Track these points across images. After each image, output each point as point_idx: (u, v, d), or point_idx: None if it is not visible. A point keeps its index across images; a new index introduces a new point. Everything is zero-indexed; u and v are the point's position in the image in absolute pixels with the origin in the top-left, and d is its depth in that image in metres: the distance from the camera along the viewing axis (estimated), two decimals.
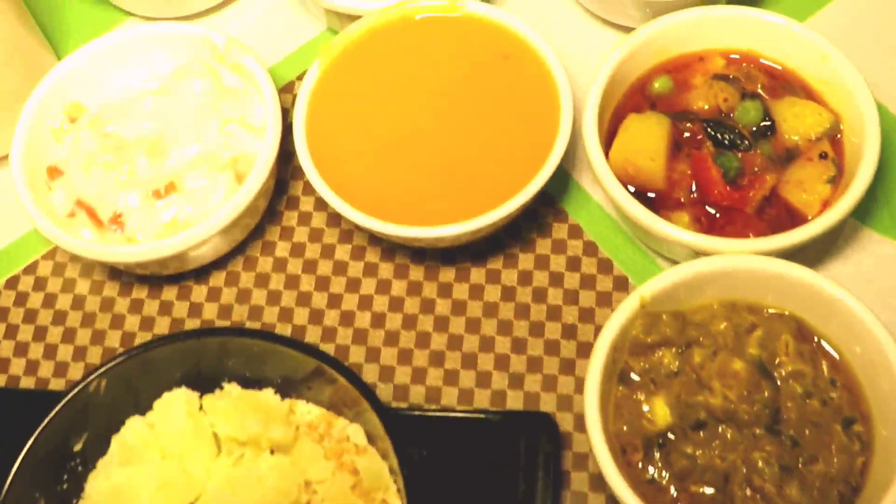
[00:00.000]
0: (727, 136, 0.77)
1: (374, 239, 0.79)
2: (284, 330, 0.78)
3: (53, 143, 0.83)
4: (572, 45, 0.88)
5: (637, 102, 0.81)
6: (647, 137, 0.77)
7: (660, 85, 0.81)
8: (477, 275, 0.78)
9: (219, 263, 0.81)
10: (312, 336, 0.77)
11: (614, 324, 0.69)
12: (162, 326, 0.79)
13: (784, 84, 0.80)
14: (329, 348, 0.76)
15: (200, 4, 0.94)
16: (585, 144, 0.76)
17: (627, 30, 0.88)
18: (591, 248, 0.78)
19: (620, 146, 0.77)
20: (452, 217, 0.74)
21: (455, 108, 0.80)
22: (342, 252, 0.80)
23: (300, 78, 0.91)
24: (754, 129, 0.78)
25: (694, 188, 0.76)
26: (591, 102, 0.77)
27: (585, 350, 0.72)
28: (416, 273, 0.79)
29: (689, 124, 0.78)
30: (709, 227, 0.75)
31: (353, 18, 0.85)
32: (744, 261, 0.71)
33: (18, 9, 0.86)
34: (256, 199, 0.78)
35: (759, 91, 0.80)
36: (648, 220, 0.73)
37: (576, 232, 0.79)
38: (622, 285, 0.76)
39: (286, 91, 0.89)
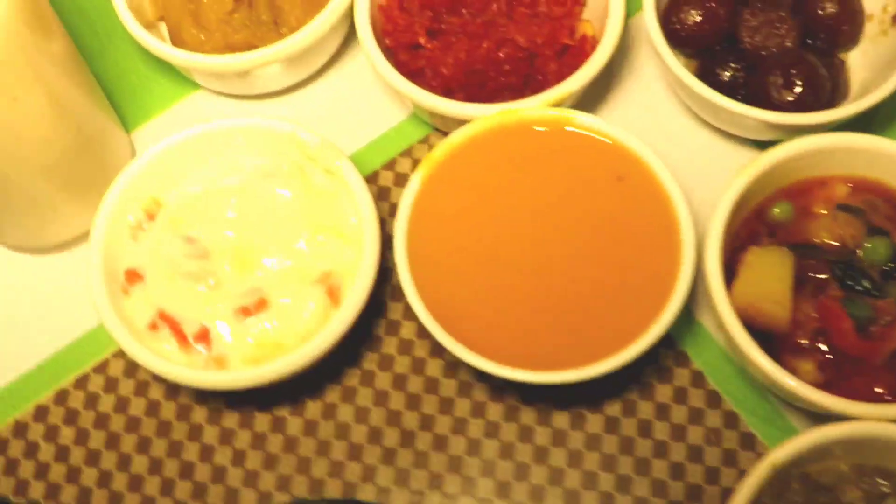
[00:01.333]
0: (859, 283, 0.73)
1: (482, 374, 0.75)
2: (387, 475, 0.73)
3: (129, 240, 0.78)
4: (684, 154, 0.83)
5: (754, 230, 0.76)
6: (772, 279, 0.72)
7: (780, 212, 0.77)
8: (594, 422, 0.74)
9: (313, 390, 0.76)
10: (418, 481, 0.72)
11: (746, 492, 0.65)
12: (254, 460, 0.75)
13: None
14: (434, 498, 0.72)
15: (273, 85, 0.88)
16: (709, 287, 0.71)
17: (743, 140, 0.84)
18: (714, 399, 0.74)
19: (744, 288, 0.72)
20: (564, 357, 0.70)
21: (565, 232, 0.75)
22: (447, 388, 0.75)
23: (386, 168, 0.86)
24: (883, 268, 0.74)
25: (819, 332, 0.72)
26: (713, 240, 0.72)
27: None
28: (528, 416, 0.74)
29: (814, 261, 0.74)
30: (835, 375, 0.72)
31: (450, 119, 0.80)
32: (876, 428, 0.67)
33: (93, 90, 0.80)
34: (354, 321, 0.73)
35: (885, 225, 0.76)
36: (776, 375, 0.69)
37: (699, 380, 0.75)
38: (749, 443, 0.72)
39: (371, 181, 0.84)
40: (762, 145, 0.83)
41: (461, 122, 0.81)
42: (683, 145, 0.85)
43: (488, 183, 0.76)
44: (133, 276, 0.77)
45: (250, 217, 0.78)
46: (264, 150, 0.79)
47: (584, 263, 0.74)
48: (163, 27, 0.89)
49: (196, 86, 0.90)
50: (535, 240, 0.75)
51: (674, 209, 0.74)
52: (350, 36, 0.87)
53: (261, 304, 0.75)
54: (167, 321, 0.75)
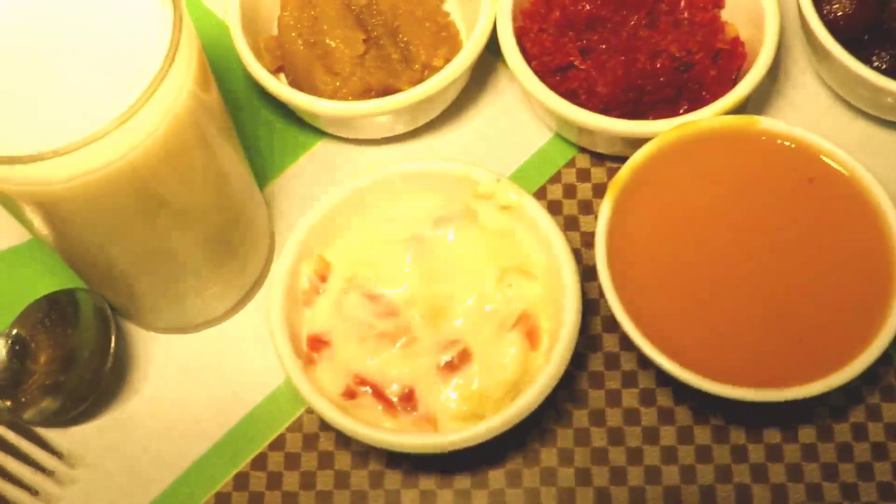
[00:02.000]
0: None
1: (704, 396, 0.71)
2: None
3: (304, 306, 0.74)
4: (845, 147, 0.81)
5: None
6: None
7: None
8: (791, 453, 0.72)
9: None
10: None
11: None
12: None
13: None
14: None
15: (407, 126, 0.84)
16: None
17: None
18: None
19: None
20: (782, 374, 0.67)
21: (767, 241, 0.72)
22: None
23: (537, 196, 0.82)
24: None
25: None
26: None
27: None
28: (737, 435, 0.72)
29: None
30: None
31: (608, 139, 0.77)
32: None
33: (239, 149, 0.76)
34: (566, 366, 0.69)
35: None
36: None
37: None
38: None
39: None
40: None
41: (620, 140, 0.78)
42: (842, 138, 0.82)
43: (678, 199, 0.74)
44: (318, 344, 0.72)
45: (431, 265, 0.74)
46: (432, 194, 0.75)
47: (792, 272, 0.71)
48: (280, 77, 0.85)
49: (320, 135, 0.86)
50: (737, 252, 0.72)
51: (876, 208, 0.71)
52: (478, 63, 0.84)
53: (464, 357, 0.71)
54: (368, 385, 0.70)
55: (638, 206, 0.73)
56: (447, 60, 0.81)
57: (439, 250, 0.74)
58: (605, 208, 0.72)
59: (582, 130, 0.78)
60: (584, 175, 0.83)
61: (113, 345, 0.75)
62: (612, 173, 0.81)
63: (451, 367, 0.70)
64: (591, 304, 0.77)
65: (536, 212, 0.73)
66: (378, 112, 0.77)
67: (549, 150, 0.84)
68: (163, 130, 0.59)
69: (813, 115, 0.84)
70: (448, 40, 0.83)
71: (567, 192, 0.83)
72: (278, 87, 0.78)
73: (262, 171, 0.85)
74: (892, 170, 0.81)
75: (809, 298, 0.70)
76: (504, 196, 0.74)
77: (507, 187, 0.74)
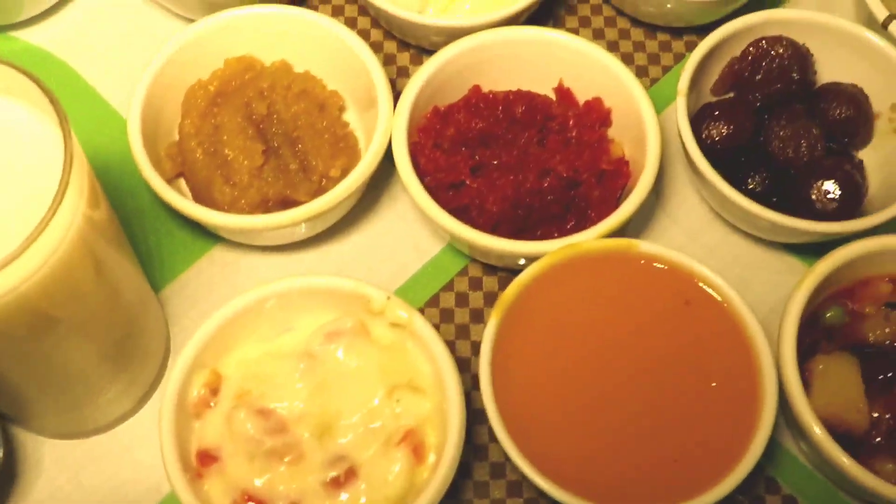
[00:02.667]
0: None
1: None
2: None
3: (194, 419, 0.75)
4: (722, 264, 0.85)
5: (813, 337, 0.79)
6: (848, 387, 0.75)
7: (833, 315, 0.79)
8: None
9: None
10: None
11: None
12: None
13: None
14: None
15: (303, 235, 0.85)
16: (794, 403, 0.73)
17: (775, 244, 0.87)
18: None
19: (823, 399, 0.74)
20: (658, 492, 0.71)
21: (643, 361, 0.75)
22: None
23: (430, 304, 0.85)
24: None
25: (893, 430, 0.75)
26: (787, 357, 0.74)
27: None
28: None
29: (875, 361, 0.77)
30: None
31: (499, 255, 0.79)
32: None
33: (133, 259, 0.77)
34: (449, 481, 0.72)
35: None
36: (873, 483, 0.71)
37: None
38: None
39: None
40: (794, 248, 0.86)
41: (509, 256, 0.81)
42: (720, 252, 0.87)
43: (561, 318, 0.77)
44: (207, 459, 0.73)
45: (321, 381, 0.75)
46: (326, 309, 0.77)
47: (668, 393, 0.75)
48: (180, 182, 0.86)
49: (216, 239, 0.87)
50: (616, 372, 0.75)
51: (745, 331, 0.75)
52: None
53: (350, 475, 0.72)
54: (255, 502, 0.72)
55: (523, 325, 0.76)
56: (345, 171, 0.84)
57: (330, 365, 0.76)
58: (490, 327, 0.75)
59: (472, 245, 0.81)
60: (476, 284, 0.86)
61: (0, 452, 0.75)
62: (503, 282, 0.84)
63: (338, 483, 0.72)
64: (479, 414, 0.79)
65: (424, 330, 0.75)
66: (274, 227, 0.79)
67: (443, 258, 0.87)
68: (54, 260, 0.60)
69: (693, 229, 0.88)
70: (346, 151, 0.86)
71: (459, 301, 0.86)
72: (175, 198, 0.79)
73: (160, 273, 0.86)
74: (765, 282, 0.85)
75: (684, 418, 0.74)
76: (394, 314, 0.76)
77: (396, 305, 0.76)
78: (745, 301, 0.76)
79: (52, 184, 0.58)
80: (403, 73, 0.95)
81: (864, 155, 0.88)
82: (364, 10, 0.97)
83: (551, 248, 0.77)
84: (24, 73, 0.60)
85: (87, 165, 0.64)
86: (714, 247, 0.87)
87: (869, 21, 0.89)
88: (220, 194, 0.82)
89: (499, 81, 0.88)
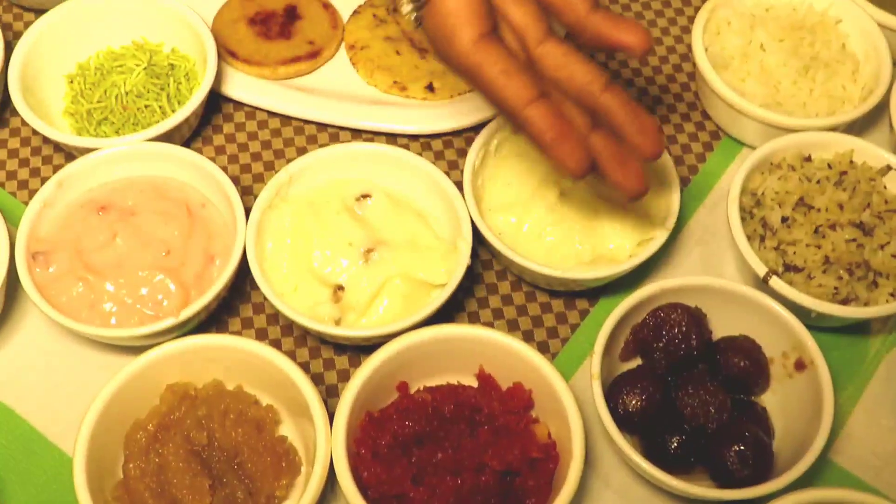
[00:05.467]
0: None
1: None
2: None
3: None
4: None
5: None
6: None
7: None
8: None
9: None
10: None
11: None
12: None
13: None
14: None
15: None
16: None
17: None
18: None
19: None
20: None
21: None
22: None
23: None
24: None
25: None
26: None
27: None
28: None
29: None
30: None
31: None
32: None
33: None
34: None
35: None
36: None
37: None
38: None
39: None
40: None
41: None
42: None
43: None
44: None
45: None
46: None
47: None
48: None
49: None
50: None
51: None
52: None
53: None
54: None
55: None
56: (289, 489, 0.87)
57: None
58: None
59: None
60: None
61: None
62: None
63: None
64: None
65: None
66: None
67: None
68: None
69: (623, 487, 0.94)
70: (289, 468, 0.89)
71: None
72: None
73: None
74: None
75: None
76: None
77: None
78: None
79: None
80: (319, 381, 0.99)
81: (767, 399, 0.96)
82: (287, 330, 1.02)
83: None
84: None
85: None
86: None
87: (752, 277, 0.97)
88: None
89: (424, 376, 0.94)
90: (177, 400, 0.91)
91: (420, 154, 1.10)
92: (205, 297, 0.93)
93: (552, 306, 1.04)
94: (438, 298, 0.94)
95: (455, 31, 0.81)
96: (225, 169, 1.11)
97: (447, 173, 1.04)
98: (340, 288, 0.97)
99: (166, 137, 1.04)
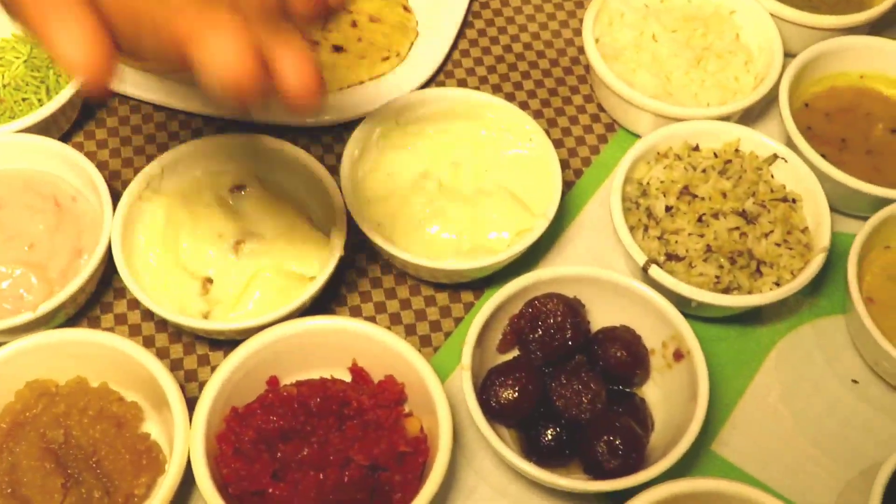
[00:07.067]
0: None
1: None
2: None
3: None
4: None
5: None
6: None
7: None
8: None
9: None
10: None
11: None
12: None
13: None
14: None
15: None
16: None
17: None
18: None
19: None
20: None
21: None
22: None
23: None
24: None
25: None
26: None
27: None
28: None
29: None
30: None
31: None
32: None
33: None
34: None
35: None
36: None
37: None
38: None
39: None
40: (597, 497, 0.91)
41: None
42: None
43: None
44: None
45: None
46: None
47: None
48: None
49: None
50: None
51: None
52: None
53: None
54: None
55: None
56: (149, 487, 0.84)
57: None
58: None
59: None
60: None
61: None
62: None
63: None
64: None
65: None
66: None
67: None
68: None
69: (500, 483, 0.92)
70: (150, 465, 0.86)
71: None
72: None
73: None
74: None
75: None
76: None
77: None
78: None
79: None
80: (192, 378, 0.96)
81: (647, 390, 0.94)
82: (162, 326, 0.99)
83: None
84: None
85: None
86: (522, 500, 0.91)
87: (637, 268, 0.96)
88: None
89: (295, 369, 0.91)
90: (34, 397, 0.88)
91: (308, 147, 1.08)
92: (65, 290, 0.90)
93: (436, 300, 1.02)
94: (308, 291, 0.92)
95: None
96: (106, 163, 1.08)
97: (335, 166, 1.01)
98: (209, 280, 0.94)
99: (43, 129, 1.02)
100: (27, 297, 0.92)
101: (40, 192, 0.97)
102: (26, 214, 0.95)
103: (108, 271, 0.96)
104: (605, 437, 0.86)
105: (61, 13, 0.56)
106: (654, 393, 0.94)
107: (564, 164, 1.08)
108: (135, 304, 1.00)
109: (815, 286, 1.03)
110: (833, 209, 1.01)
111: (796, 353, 1.00)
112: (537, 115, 1.14)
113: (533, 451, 0.89)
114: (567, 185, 1.10)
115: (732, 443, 0.95)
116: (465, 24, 1.22)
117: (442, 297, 1.02)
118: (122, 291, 1.00)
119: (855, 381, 0.99)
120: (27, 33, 0.60)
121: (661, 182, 1.01)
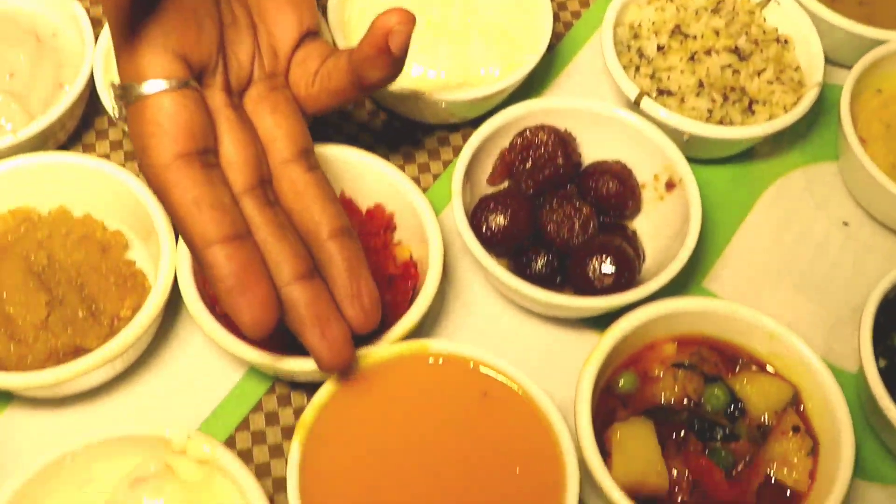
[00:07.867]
0: (714, 433, 0.79)
1: None
2: None
3: None
4: (520, 349, 0.89)
5: (609, 405, 0.82)
6: (646, 452, 0.78)
7: (625, 382, 0.83)
8: None
9: None
10: None
11: None
12: None
13: (734, 357, 0.85)
14: None
15: (101, 378, 0.84)
16: (597, 479, 0.75)
17: (571, 322, 0.90)
18: None
19: (624, 468, 0.77)
20: None
21: (444, 461, 0.77)
22: None
23: (241, 429, 0.85)
24: (728, 411, 0.82)
25: (694, 485, 0.79)
26: (585, 431, 0.77)
27: None
28: None
29: (668, 422, 0.80)
30: None
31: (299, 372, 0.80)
32: None
33: None
34: None
35: (718, 373, 0.83)
36: None
37: None
38: None
39: (230, 445, 0.82)
40: (590, 322, 0.90)
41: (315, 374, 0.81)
42: (520, 338, 0.90)
43: (363, 431, 0.77)
44: None
45: None
46: (128, 457, 0.76)
47: (473, 485, 0.76)
48: None
49: (7, 400, 0.85)
50: (423, 476, 0.76)
51: (544, 415, 0.77)
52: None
53: None
54: None
55: (327, 442, 0.76)
56: (136, 310, 0.83)
57: None
58: (294, 452, 0.75)
59: (277, 370, 0.81)
60: (284, 400, 0.86)
61: None
62: (299, 414, 0.84)
63: None
64: None
65: (230, 463, 0.75)
66: (66, 379, 0.78)
67: (247, 382, 0.87)
68: None
69: (490, 315, 0.91)
70: (135, 289, 0.85)
71: (269, 420, 0.85)
72: None
73: None
74: (568, 358, 0.88)
75: None
76: (197, 450, 0.75)
77: (198, 441, 0.75)
78: (541, 387, 0.78)
79: None
80: None
81: (638, 223, 0.93)
82: None
83: None
84: None
85: None
86: (512, 330, 0.90)
87: (627, 105, 0.94)
88: (6, 353, 0.80)
89: None
90: (17, 223, 0.86)
91: None
92: (46, 116, 0.88)
93: (425, 143, 1.00)
94: None
95: (153, 141, 0.69)
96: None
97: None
98: None
99: None
100: (9, 125, 0.90)
101: (20, 25, 0.95)
102: (4, 46, 0.93)
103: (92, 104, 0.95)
104: (597, 256, 0.85)
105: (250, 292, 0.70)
106: (646, 225, 0.93)
107: (555, 18, 1.07)
108: (118, 145, 0.98)
109: (808, 129, 1.02)
110: (825, 60, 0.99)
111: (788, 195, 1.00)
112: None
113: (524, 279, 0.88)
114: (557, 37, 1.08)
115: (723, 279, 0.95)
116: None
117: (430, 141, 1.01)
118: (105, 133, 0.98)
119: (846, 224, 0.99)
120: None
121: (653, 23, 1.00)
